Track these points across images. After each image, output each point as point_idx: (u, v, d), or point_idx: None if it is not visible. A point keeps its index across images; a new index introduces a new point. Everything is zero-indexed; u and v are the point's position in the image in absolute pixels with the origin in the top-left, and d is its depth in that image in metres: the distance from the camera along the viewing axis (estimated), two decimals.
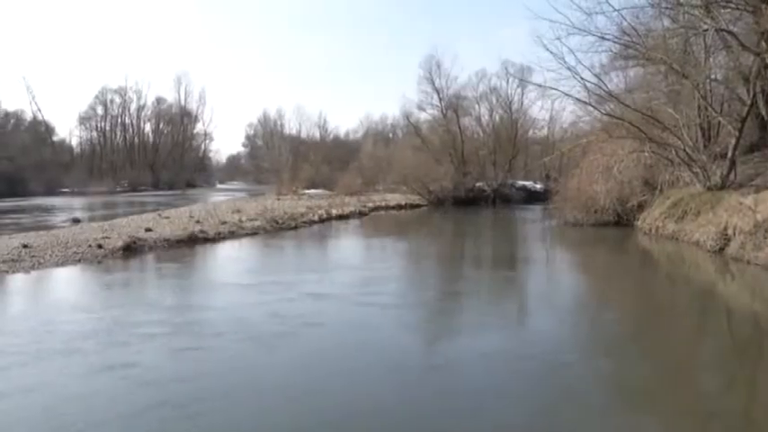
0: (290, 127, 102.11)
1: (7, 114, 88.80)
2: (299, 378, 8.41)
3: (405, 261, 21.88)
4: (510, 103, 58.18)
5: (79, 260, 18.66)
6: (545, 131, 61.65)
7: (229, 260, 20.76)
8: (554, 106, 56.49)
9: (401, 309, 12.82)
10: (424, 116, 59.46)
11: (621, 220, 28.81)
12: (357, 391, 8.01)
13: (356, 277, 16.65)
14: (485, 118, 58.84)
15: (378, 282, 15.83)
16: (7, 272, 16.57)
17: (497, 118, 58.52)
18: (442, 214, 42.06)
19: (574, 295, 15.67)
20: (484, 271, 19.55)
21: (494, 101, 58.59)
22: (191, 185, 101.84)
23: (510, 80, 56.63)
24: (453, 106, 55.53)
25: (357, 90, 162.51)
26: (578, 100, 31.04)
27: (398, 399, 7.68)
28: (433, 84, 56.40)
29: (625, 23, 26.87)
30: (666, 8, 25.96)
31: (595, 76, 28.25)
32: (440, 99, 56.71)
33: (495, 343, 10.19)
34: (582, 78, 27.28)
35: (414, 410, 7.31)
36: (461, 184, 50.12)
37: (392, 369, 8.78)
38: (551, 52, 27.12)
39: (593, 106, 30.44)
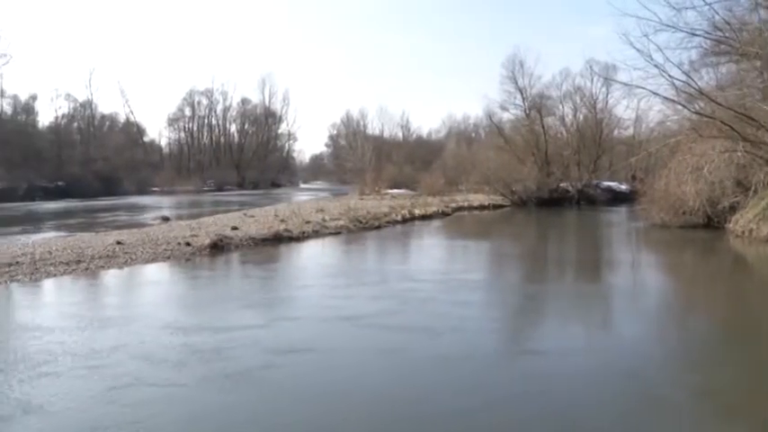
0: (373, 127, 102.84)
1: (103, 117, 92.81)
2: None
3: (486, 265, 21.50)
4: (594, 102, 57.16)
5: (168, 257, 19.24)
6: (631, 131, 60.29)
7: (312, 260, 20.88)
8: (640, 105, 54.95)
9: (480, 322, 12.20)
10: (506, 116, 58.95)
11: (712, 223, 27.89)
12: None
13: (436, 284, 16.35)
14: (568, 117, 57.99)
15: (457, 290, 15.61)
16: (103, 267, 17.29)
17: (581, 117, 57.46)
18: (525, 215, 41.60)
19: (663, 303, 14.88)
20: (568, 276, 19.01)
21: (578, 100, 57.69)
22: (275, 185, 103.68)
23: (594, 79, 55.61)
24: (537, 106, 54.88)
25: (439, 90, 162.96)
26: (666, 98, 30.21)
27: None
28: (516, 83, 55.81)
29: (717, 18, 26.00)
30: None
31: (684, 73, 27.48)
32: (523, 99, 56.08)
33: (581, 358, 9.53)
34: (670, 76, 26.56)
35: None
36: (545, 185, 49.50)
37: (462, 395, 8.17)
38: (638, 50, 26.45)
39: (681, 105, 29.58)
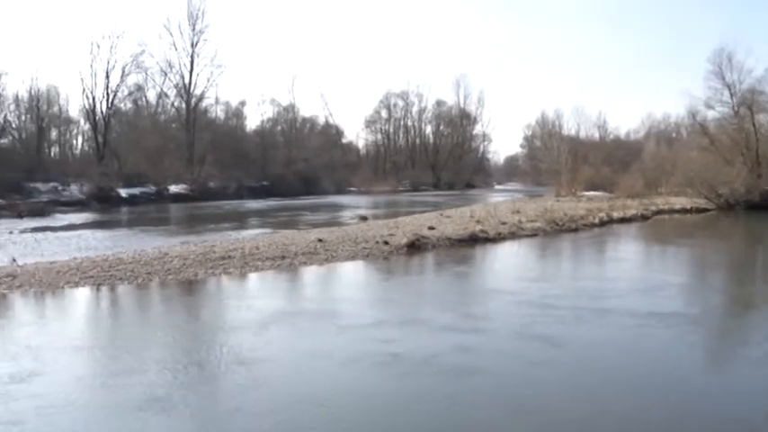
0: (569, 127, 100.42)
1: (304, 120, 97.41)
2: None
3: (687, 279, 18.83)
4: None
5: (367, 255, 19.92)
6: None
7: (507, 266, 20.43)
8: None
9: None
10: (711, 114, 55.44)
11: None
12: None
13: (641, 317, 15.08)
14: None
15: (652, 314, 14.22)
16: (305, 263, 18.22)
17: None
18: (732, 220, 38.90)
19: None
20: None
21: None
22: (470, 186, 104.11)
23: None
24: (747, 102, 51.33)
25: (638, 88, 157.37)
26: None
27: None
28: (724, 78, 52.35)
29: None
30: None
31: None
32: (731, 95, 52.63)
33: None
34: None
35: None
36: (755, 188, 46.12)
37: None
38: None
39: None
